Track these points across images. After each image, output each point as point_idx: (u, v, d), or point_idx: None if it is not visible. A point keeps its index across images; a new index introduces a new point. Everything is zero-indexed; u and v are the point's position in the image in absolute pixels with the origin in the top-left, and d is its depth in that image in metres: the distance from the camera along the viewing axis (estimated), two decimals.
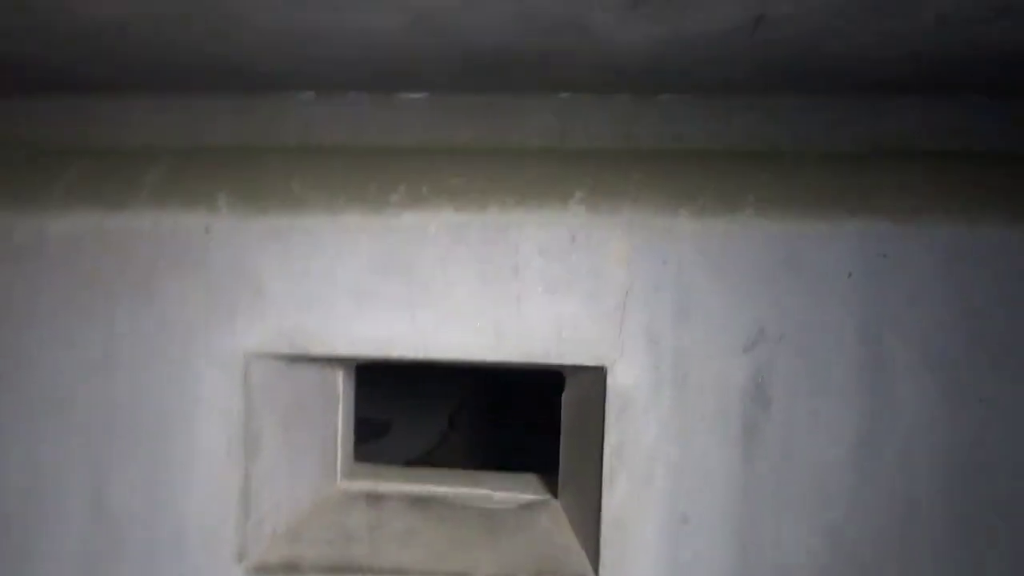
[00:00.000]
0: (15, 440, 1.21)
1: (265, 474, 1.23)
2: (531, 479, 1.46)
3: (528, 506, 1.38)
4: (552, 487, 1.40)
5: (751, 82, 1.14)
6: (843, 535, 1.16)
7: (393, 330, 1.17)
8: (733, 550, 1.17)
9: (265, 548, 1.23)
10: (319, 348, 1.18)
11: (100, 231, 1.18)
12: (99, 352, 1.18)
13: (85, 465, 1.20)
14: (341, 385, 1.41)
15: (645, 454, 1.17)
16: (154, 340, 1.18)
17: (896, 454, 1.16)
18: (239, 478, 1.19)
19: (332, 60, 1.07)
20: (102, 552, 1.20)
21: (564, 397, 1.35)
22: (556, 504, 1.38)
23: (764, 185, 1.16)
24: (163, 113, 1.28)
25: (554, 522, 1.33)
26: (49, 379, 1.19)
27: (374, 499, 1.42)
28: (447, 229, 1.15)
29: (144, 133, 1.28)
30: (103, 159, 1.25)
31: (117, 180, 1.20)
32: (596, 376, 1.19)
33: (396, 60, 1.07)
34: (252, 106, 1.28)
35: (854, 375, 1.16)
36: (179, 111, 1.28)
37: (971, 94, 1.17)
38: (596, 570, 1.19)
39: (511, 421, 2.48)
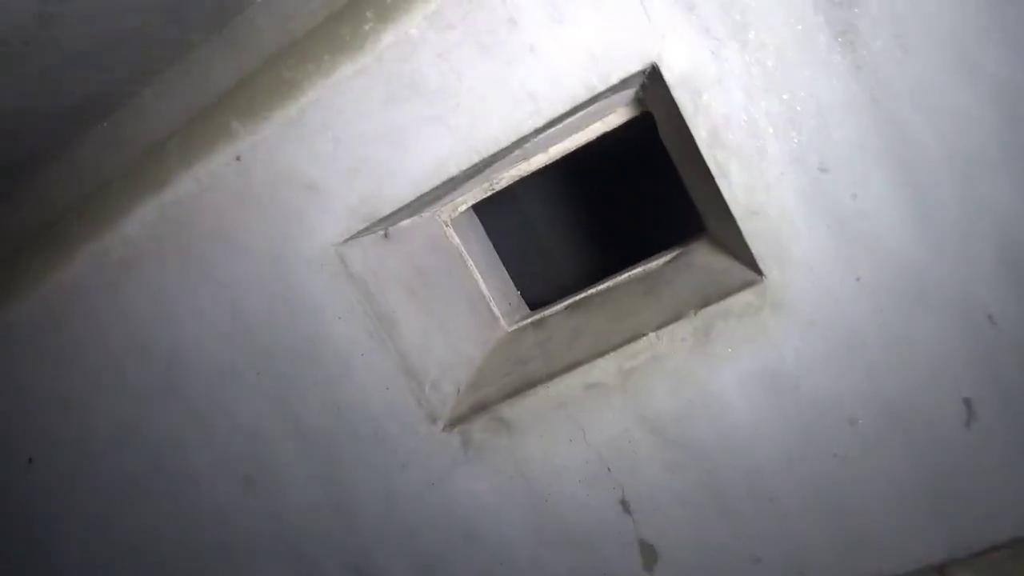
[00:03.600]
0: (223, 416, 1.34)
1: (418, 344, 1.26)
2: (683, 241, 1.36)
3: (678, 256, 1.29)
4: (700, 236, 1.30)
5: None
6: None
7: (438, 149, 1.12)
8: (892, 169, 0.99)
9: (453, 405, 1.26)
10: (387, 205, 1.16)
11: (162, 215, 1.24)
12: (226, 307, 1.26)
13: (278, 411, 1.30)
14: (457, 237, 1.40)
15: (743, 127, 1.02)
16: (258, 281, 1.23)
17: None
18: (393, 355, 1.22)
19: None
20: (334, 477, 1.30)
21: (660, 132, 1.22)
22: (703, 241, 1.27)
23: None
24: (169, 87, 1.32)
25: (706, 254, 1.23)
26: (212, 351, 1.30)
27: (539, 324, 1.40)
28: (426, 23, 1.07)
29: (161, 117, 1.33)
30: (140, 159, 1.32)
31: (152, 165, 1.26)
32: (655, 81, 1.05)
33: None
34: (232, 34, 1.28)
35: None
36: (180, 78, 1.31)
37: None
38: (759, 270, 1.07)
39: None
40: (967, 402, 1.04)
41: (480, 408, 1.23)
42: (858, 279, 1.03)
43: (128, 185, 1.28)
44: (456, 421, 1.24)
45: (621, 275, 1.34)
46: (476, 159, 1.12)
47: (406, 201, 1.16)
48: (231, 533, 1.38)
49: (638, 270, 1.34)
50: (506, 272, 1.55)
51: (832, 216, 1.02)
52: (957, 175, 0.97)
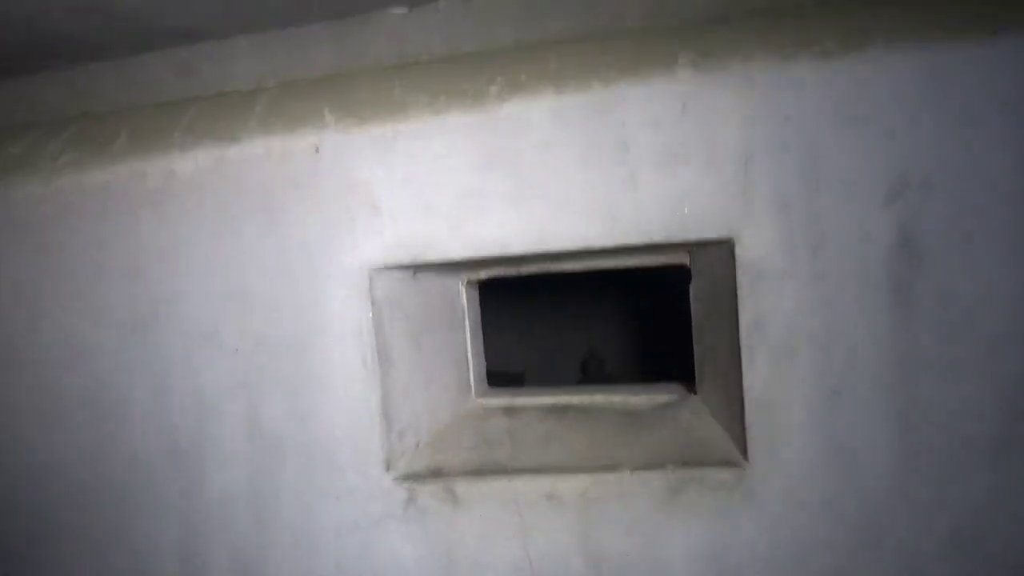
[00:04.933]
0: (179, 373, 1.29)
1: (401, 388, 1.26)
2: (668, 385, 1.41)
3: (667, 405, 1.34)
4: (690, 388, 1.35)
5: None
6: (1022, 397, 1.04)
7: (506, 226, 1.15)
8: (894, 422, 1.07)
9: (410, 458, 1.26)
10: (435, 254, 1.18)
11: (219, 164, 1.23)
12: (235, 280, 1.24)
13: (240, 390, 1.27)
14: (465, 299, 1.42)
15: (784, 329, 1.09)
16: (280, 263, 1.22)
17: None
18: (377, 391, 1.22)
19: None
20: (264, 469, 1.27)
21: (692, 285, 1.28)
22: (695, 399, 1.32)
23: (893, 16, 1.04)
24: (264, 49, 1.32)
25: (695, 415, 1.28)
26: (196, 311, 1.27)
27: (511, 411, 1.42)
28: (549, 114, 1.11)
29: (248, 72, 1.33)
30: (214, 101, 1.31)
31: (228, 116, 1.26)
32: (723, 252, 1.12)
33: None
34: (347, 30, 1.30)
35: (1012, 214, 1.02)
36: (279, 45, 1.31)
37: None
38: (745, 455, 1.13)
39: (645, 367, 2.41)
40: None
41: (437, 473, 1.23)
42: (829, 503, 1.10)
43: (195, 122, 1.26)
44: (409, 477, 1.23)
45: (613, 396, 1.38)
46: (537, 250, 1.15)
47: (453, 259, 1.18)
48: (141, 490, 1.32)
49: (618, 399, 1.38)
50: (483, 349, 1.57)
51: (828, 437, 1.09)
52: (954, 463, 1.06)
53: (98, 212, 1.29)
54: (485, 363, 1.55)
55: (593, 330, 2.40)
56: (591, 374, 2.69)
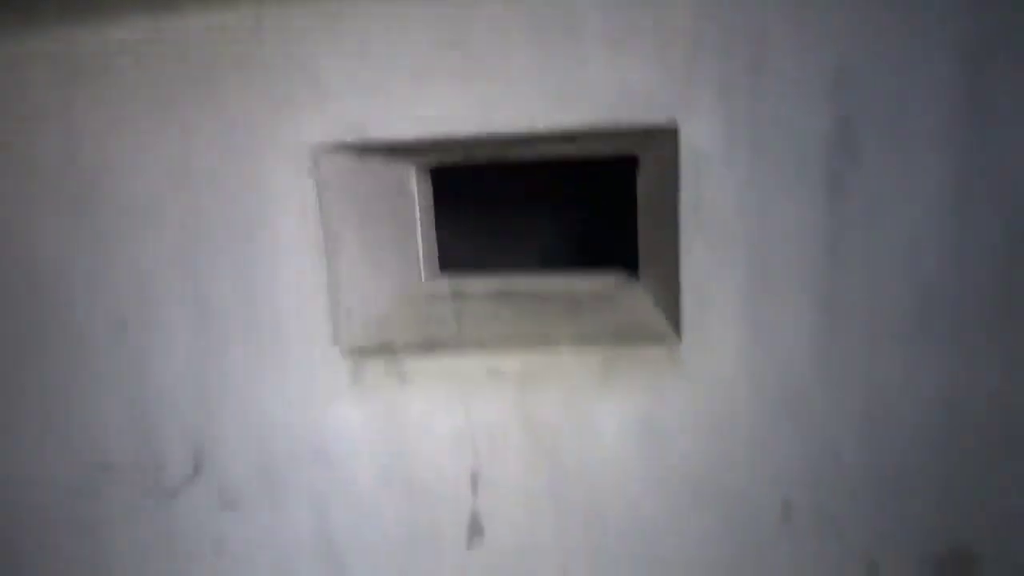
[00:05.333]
0: (121, 249, 1.29)
1: (349, 268, 1.27)
2: (612, 271, 1.46)
3: (608, 289, 1.39)
4: (633, 275, 1.40)
5: None
6: (936, 290, 1.11)
7: (455, 107, 1.14)
8: (817, 306, 1.14)
9: (358, 335, 1.30)
10: (382, 134, 1.17)
11: (156, 35, 1.18)
12: (177, 157, 1.22)
13: (185, 269, 1.28)
14: (415, 183, 1.42)
15: (722, 216, 1.13)
16: (224, 140, 1.20)
17: (996, 200, 1.08)
18: (324, 271, 1.24)
19: None
20: (211, 347, 1.30)
21: (639, 174, 1.30)
22: (636, 284, 1.37)
23: None
24: None
25: (635, 298, 1.33)
26: (139, 187, 1.25)
27: (458, 295, 1.46)
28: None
29: None
30: None
31: None
32: (668, 139, 1.14)
33: None
34: None
35: (951, 116, 1.06)
36: None
37: None
38: (678, 332, 1.19)
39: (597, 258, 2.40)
40: (786, 503, 1.22)
41: (383, 350, 1.28)
42: (752, 377, 1.18)
43: None
44: (356, 353, 1.28)
45: (547, 279, 1.42)
46: (487, 131, 1.15)
47: (400, 139, 1.18)
48: (89, 364, 1.33)
49: (563, 284, 1.43)
50: (435, 235, 1.58)
51: (755, 318, 1.16)
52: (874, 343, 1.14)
53: (28, 83, 1.23)
54: (437, 250, 1.58)
55: (547, 223, 2.41)
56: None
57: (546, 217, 2.27)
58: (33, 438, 1.38)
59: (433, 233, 1.54)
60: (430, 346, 1.28)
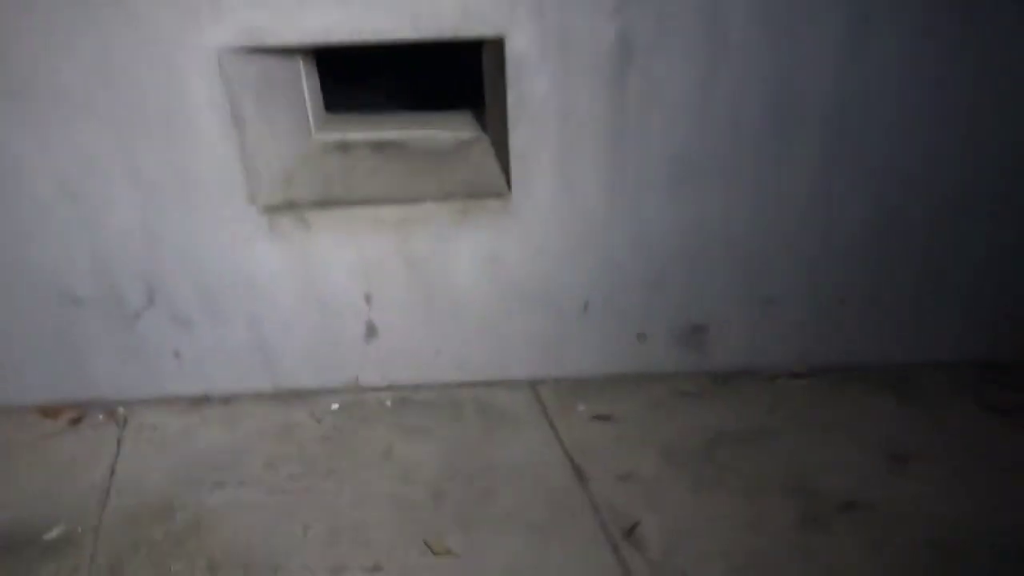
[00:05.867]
0: (61, 135, 1.55)
1: (254, 141, 1.61)
2: (467, 117, 1.85)
3: (464, 143, 1.79)
4: (484, 125, 1.80)
5: None
6: (689, 154, 1.60)
7: (331, 20, 1.46)
8: (605, 168, 1.61)
9: (268, 194, 1.67)
10: (274, 39, 1.48)
11: None
12: (102, 60, 1.48)
13: (120, 152, 1.57)
14: (302, 68, 1.72)
15: (538, 104, 1.54)
16: (141, 47, 1.47)
17: (729, 90, 1.54)
18: (236, 146, 1.58)
19: None
20: (153, 215, 1.64)
21: (484, 61, 1.67)
22: (485, 140, 1.78)
23: None
24: None
25: (482, 155, 1.75)
26: (70, 81, 1.50)
27: (343, 147, 1.82)
28: None
29: None
30: None
31: None
32: (498, 46, 1.51)
33: None
34: None
35: (699, 30, 1.48)
36: None
37: None
38: (509, 188, 1.65)
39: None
40: (585, 301, 1.78)
41: (290, 206, 1.67)
42: (561, 220, 1.66)
43: None
44: (269, 209, 1.66)
45: (424, 130, 1.79)
46: (356, 39, 1.48)
47: (288, 44, 1.49)
48: (45, 229, 1.66)
49: (428, 135, 1.81)
50: (321, 94, 1.90)
51: (562, 177, 1.62)
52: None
53: None
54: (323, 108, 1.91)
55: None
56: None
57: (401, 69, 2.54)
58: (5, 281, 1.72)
59: (319, 100, 1.86)
60: (327, 202, 1.68)
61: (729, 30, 1.48)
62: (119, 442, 1.75)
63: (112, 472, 1.66)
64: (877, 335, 1.83)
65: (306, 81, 1.72)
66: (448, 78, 2.01)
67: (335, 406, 1.84)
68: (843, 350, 1.84)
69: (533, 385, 1.87)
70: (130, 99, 1.53)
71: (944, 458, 1.57)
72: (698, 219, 1.67)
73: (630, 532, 1.42)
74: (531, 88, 1.52)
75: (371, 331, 1.81)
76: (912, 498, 1.46)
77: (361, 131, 1.84)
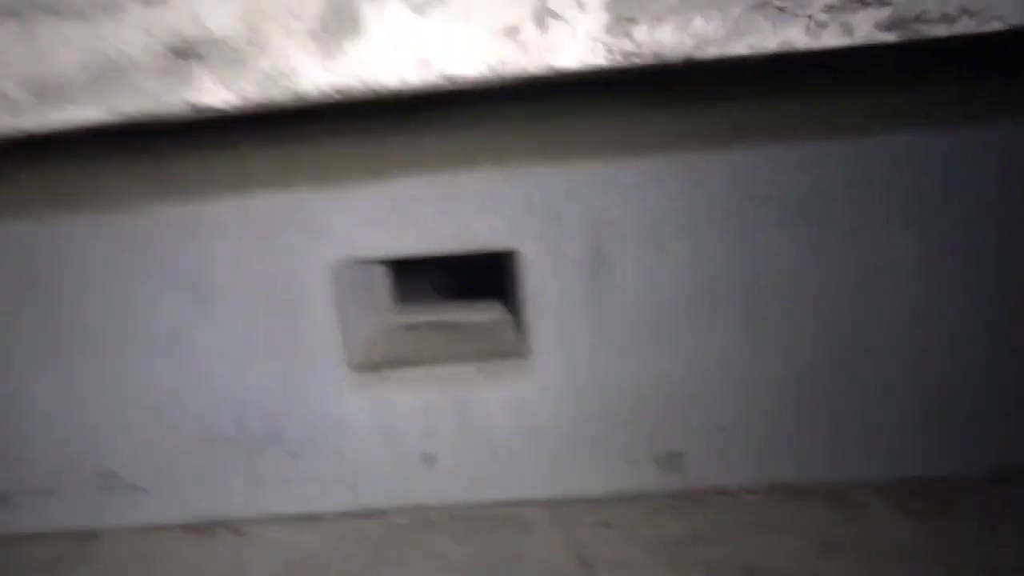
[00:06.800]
0: (220, 316, 2.32)
1: (350, 321, 2.35)
2: (496, 304, 2.58)
3: (494, 322, 2.51)
4: (507, 309, 2.52)
5: None
6: (646, 325, 2.27)
7: (401, 244, 2.23)
8: (590, 335, 2.28)
9: (358, 358, 2.38)
10: (365, 255, 2.25)
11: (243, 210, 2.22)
12: (252, 265, 2.27)
13: (260, 329, 2.32)
14: (382, 272, 2.50)
15: (542, 293, 2.25)
16: (278, 257, 2.25)
17: (671, 282, 2.23)
18: (338, 325, 2.31)
19: None
20: (279, 374, 2.36)
21: (504, 265, 2.41)
22: (509, 319, 2.50)
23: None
24: None
25: (507, 329, 2.46)
26: (230, 282, 2.28)
27: (410, 326, 2.56)
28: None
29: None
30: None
31: (233, 172, 2.23)
32: (514, 255, 2.25)
33: None
34: None
35: (647, 245, 2.20)
36: None
37: None
38: (526, 352, 2.32)
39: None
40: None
41: (373, 367, 2.37)
42: (567, 375, 2.32)
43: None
44: (359, 368, 2.36)
45: (466, 315, 2.53)
46: (420, 253, 2.25)
47: (372, 257, 2.27)
48: (200, 387, 2.38)
49: (476, 315, 2.54)
50: (393, 289, 2.66)
51: (566, 349, 2.29)
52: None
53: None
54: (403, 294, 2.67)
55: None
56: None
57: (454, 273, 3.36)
58: (167, 424, 2.42)
59: (389, 296, 2.62)
60: (399, 363, 2.38)
61: (666, 246, 2.19)
62: (240, 549, 2.36)
63: (238, 568, 2.26)
64: (815, 457, 2.36)
65: (384, 280, 2.49)
66: (480, 278, 2.75)
67: (401, 521, 2.42)
68: (788, 470, 2.37)
69: (555, 504, 2.43)
70: (269, 292, 2.29)
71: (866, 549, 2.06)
72: (662, 370, 2.30)
73: None
74: (536, 282, 2.24)
75: (430, 461, 2.43)
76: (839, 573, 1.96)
77: (422, 315, 2.59)
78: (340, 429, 2.41)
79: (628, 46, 1.32)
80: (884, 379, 2.27)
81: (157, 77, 1.53)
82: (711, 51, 1.32)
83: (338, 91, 1.52)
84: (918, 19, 1.21)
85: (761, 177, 2.11)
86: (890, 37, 1.24)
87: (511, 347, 2.39)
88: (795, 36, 1.27)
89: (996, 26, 1.19)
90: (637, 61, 1.34)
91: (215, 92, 1.52)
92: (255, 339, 2.33)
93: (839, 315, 2.22)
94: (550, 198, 2.17)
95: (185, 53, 1.50)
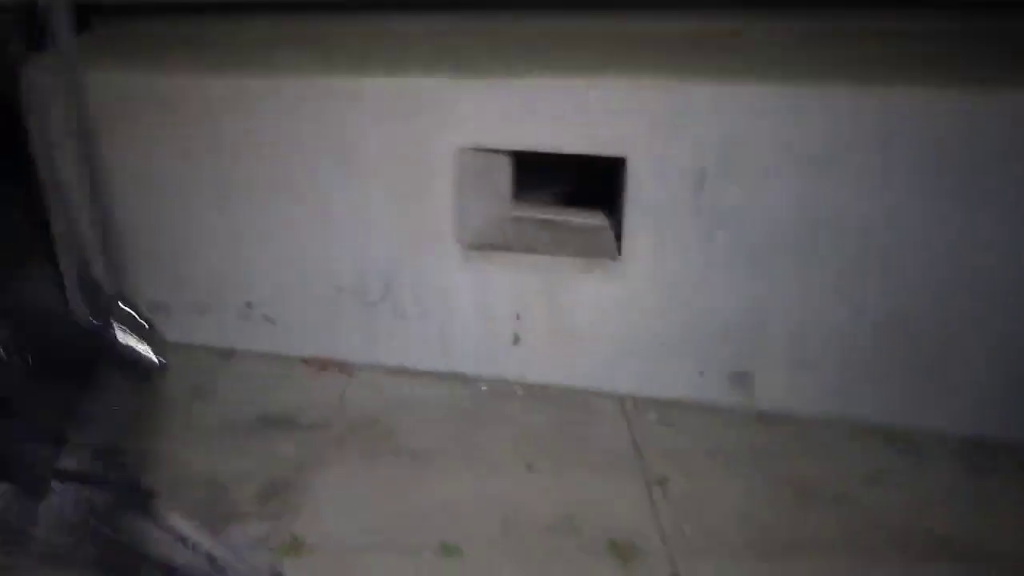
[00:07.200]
0: (358, 190, 2.64)
1: (467, 205, 2.60)
2: (600, 212, 2.76)
3: (596, 226, 2.70)
4: (609, 215, 2.70)
5: None
6: (738, 248, 2.37)
7: (525, 137, 2.44)
8: (684, 251, 2.42)
9: (469, 239, 2.64)
10: (488, 143, 2.48)
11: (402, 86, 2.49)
12: (388, 146, 2.55)
13: (391, 203, 2.61)
14: (505, 163, 2.73)
15: (643, 201, 2.40)
16: (412, 141, 2.51)
17: (769, 209, 2.32)
18: (455, 206, 2.57)
19: None
20: (400, 242, 2.65)
21: (614, 173, 2.57)
22: (608, 224, 2.67)
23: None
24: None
25: (605, 233, 2.63)
26: (372, 160, 2.58)
27: (520, 220, 2.79)
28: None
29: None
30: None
31: (385, 54, 2.49)
32: (622, 162, 2.40)
33: None
34: None
35: (750, 166, 2.29)
36: None
37: None
38: (620, 254, 2.50)
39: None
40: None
41: (480, 248, 2.62)
42: (655, 280, 2.48)
43: None
44: (468, 247, 2.62)
45: (572, 217, 2.73)
46: (540, 148, 2.45)
47: (497, 147, 2.49)
48: (337, 244, 2.73)
49: (581, 219, 2.74)
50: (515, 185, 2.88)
51: (656, 253, 2.45)
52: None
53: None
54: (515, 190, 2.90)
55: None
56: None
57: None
58: (303, 269, 2.80)
59: (512, 186, 2.85)
60: (503, 247, 2.63)
61: (772, 174, 2.27)
62: (347, 385, 2.73)
63: (342, 399, 2.63)
64: (888, 401, 2.42)
65: (504, 174, 2.71)
66: (593, 186, 2.92)
67: (484, 388, 2.71)
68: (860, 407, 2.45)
69: (622, 398, 2.63)
70: (403, 168, 2.57)
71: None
72: (750, 294, 2.41)
73: (661, 483, 2.14)
74: (640, 191, 2.39)
75: (516, 339, 2.68)
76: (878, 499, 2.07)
77: (533, 212, 2.80)
78: (445, 299, 2.70)
79: None
80: (971, 339, 2.29)
81: None
82: None
83: None
84: None
85: (887, 122, 2.13)
86: None
87: (607, 249, 2.57)
88: None
89: None
90: None
91: None
92: (385, 209, 2.63)
93: (940, 270, 2.24)
94: (665, 112, 2.29)
95: None
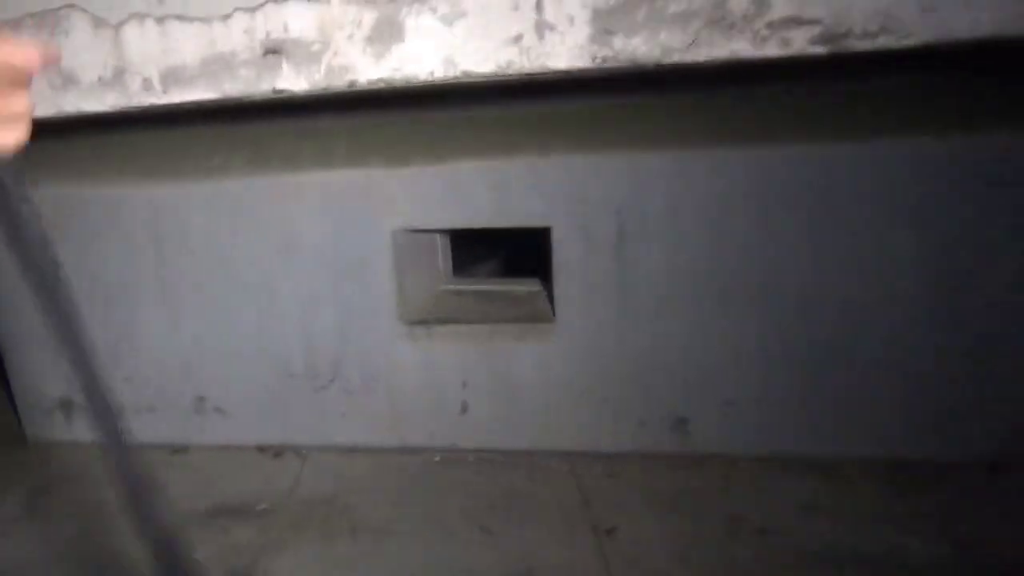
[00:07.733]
0: (302, 275, 2.77)
1: (407, 283, 2.74)
2: (533, 279, 2.92)
3: (530, 293, 2.86)
4: (541, 281, 2.86)
5: None
6: (660, 299, 2.55)
7: (454, 219, 2.60)
8: (612, 306, 2.58)
9: (410, 314, 2.77)
10: (421, 225, 2.64)
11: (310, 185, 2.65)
12: (328, 233, 2.69)
13: (332, 285, 2.75)
14: (439, 241, 2.89)
15: (568, 264, 2.57)
16: (348, 226, 2.67)
17: (687, 263, 2.51)
18: (395, 285, 2.71)
19: None
20: (344, 322, 2.78)
21: (540, 241, 2.74)
22: (542, 290, 2.83)
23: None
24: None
25: (539, 299, 2.79)
26: (311, 244, 2.72)
27: (458, 292, 2.94)
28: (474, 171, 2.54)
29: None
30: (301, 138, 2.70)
31: (317, 151, 2.66)
32: (547, 231, 2.58)
33: None
34: None
35: (665, 228, 2.48)
36: None
37: None
38: (554, 316, 2.65)
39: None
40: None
41: (423, 323, 2.76)
42: (584, 340, 2.63)
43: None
44: (411, 323, 2.76)
45: (506, 286, 2.89)
46: (468, 226, 2.62)
47: (430, 228, 2.65)
48: (281, 330, 2.84)
49: (516, 287, 2.90)
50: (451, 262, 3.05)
51: (586, 315, 2.60)
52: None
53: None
54: (452, 269, 3.05)
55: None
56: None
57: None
58: (251, 360, 2.89)
59: (449, 264, 3.01)
60: (444, 320, 2.76)
61: (685, 229, 2.47)
62: (302, 468, 2.80)
63: (297, 482, 2.70)
64: (811, 433, 2.58)
65: (439, 252, 2.87)
66: (524, 255, 3.10)
67: (436, 458, 2.80)
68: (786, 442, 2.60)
69: (570, 454, 2.74)
70: (341, 252, 2.71)
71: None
72: (677, 344, 2.57)
73: (609, 532, 2.25)
74: (565, 256, 2.57)
75: (465, 408, 2.79)
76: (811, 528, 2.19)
77: (469, 284, 2.96)
78: (392, 375, 2.80)
79: (608, 52, 1.63)
80: (878, 364, 2.47)
81: (252, 68, 1.96)
82: (675, 58, 1.61)
83: (383, 82, 1.91)
84: (845, 35, 1.45)
85: (774, 173, 2.35)
86: (821, 50, 1.49)
87: (542, 313, 2.72)
88: (743, 48, 1.54)
89: (910, 42, 1.41)
90: (615, 64, 1.65)
91: (294, 80, 1.94)
92: (327, 291, 2.76)
93: (840, 302, 2.44)
94: (581, 183, 2.49)
95: (274, 50, 1.93)
